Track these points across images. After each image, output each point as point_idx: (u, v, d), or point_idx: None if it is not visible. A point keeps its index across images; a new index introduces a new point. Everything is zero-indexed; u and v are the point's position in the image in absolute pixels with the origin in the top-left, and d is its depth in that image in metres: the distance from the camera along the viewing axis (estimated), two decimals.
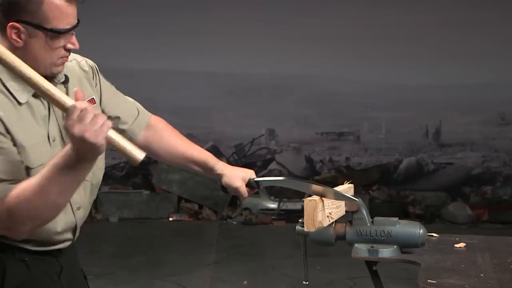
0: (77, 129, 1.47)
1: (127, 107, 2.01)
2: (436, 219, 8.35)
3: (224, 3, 9.31)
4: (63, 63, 1.73)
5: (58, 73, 1.73)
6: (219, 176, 2.05)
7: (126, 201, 8.53)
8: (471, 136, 9.64)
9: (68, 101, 1.51)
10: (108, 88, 1.96)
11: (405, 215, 7.96)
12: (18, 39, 1.64)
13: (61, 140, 1.76)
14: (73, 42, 1.70)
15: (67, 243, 1.84)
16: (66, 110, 1.50)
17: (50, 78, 1.71)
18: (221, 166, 2.05)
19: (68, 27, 1.66)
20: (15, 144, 1.65)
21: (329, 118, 9.86)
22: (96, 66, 1.94)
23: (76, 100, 1.52)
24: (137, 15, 9.24)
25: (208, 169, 2.05)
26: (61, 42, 1.67)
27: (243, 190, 2.01)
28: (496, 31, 9.30)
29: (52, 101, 1.54)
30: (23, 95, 1.69)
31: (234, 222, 8.26)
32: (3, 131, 1.64)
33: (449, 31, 9.39)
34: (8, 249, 1.73)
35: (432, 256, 1.94)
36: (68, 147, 1.53)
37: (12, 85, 1.67)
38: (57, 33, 1.65)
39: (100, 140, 1.49)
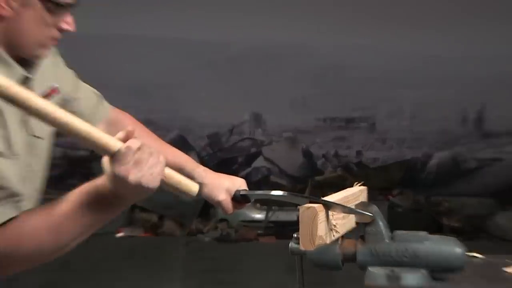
0: (133, 176, 1.57)
1: (86, 94, 2.17)
2: (480, 234, 8.44)
3: None
4: (50, 47, 1.86)
5: (43, 57, 1.85)
6: (199, 185, 2.08)
7: None
8: None
9: (114, 142, 1.58)
10: (66, 71, 2.12)
11: (437, 228, 8.09)
12: (6, 6, 1.73)
13: (25, 152, 1.84)
14: (68, 21, 1.83)
15: None
16: (116, 154, 1.57)
17: (31, 62, 1.83)
18: (201, 173, 2.18)
19: (69, 1, 1.79)
20: None
21: (334, 99, 9.91)
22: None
23: (127, 138, 1.60)
24: None
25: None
26: (57, 19, 1.79)
27: (227, 205, 2.15)
28: None
29: (92, 145, 1.58)
30: None
31: (207, 239, 8.31)
32: None
33: None
34: None
35: (475, 285, 1.96)
36: (98, 184, 1.64)
37: None
38: (57, 6, 1.77)
39: (157, 183, 1.62)
